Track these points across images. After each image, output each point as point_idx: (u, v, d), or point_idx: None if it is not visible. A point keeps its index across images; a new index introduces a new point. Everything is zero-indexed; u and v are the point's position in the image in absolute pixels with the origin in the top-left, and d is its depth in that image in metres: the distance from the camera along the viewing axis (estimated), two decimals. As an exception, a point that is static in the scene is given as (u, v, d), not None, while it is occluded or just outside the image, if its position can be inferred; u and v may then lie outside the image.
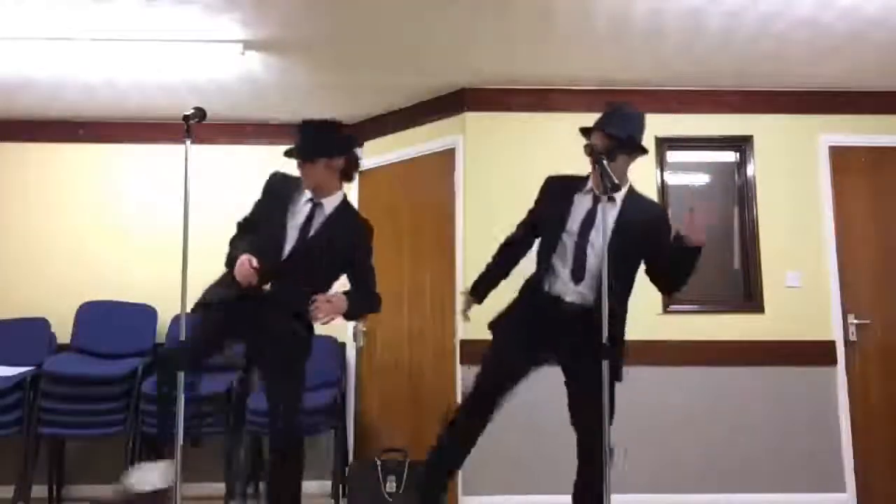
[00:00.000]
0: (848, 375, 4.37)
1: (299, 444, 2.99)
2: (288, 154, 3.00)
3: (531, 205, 3.13)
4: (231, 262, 2.89)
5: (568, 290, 2.85)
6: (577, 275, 2.83)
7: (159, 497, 2.82)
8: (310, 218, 3.00)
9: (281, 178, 3.10)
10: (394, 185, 4.95)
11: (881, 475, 4.31)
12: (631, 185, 2.99)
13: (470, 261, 4.36)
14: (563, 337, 2.82)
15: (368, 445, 4.74)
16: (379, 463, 4.09)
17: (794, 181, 4.54)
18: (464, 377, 4.30)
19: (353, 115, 5.03)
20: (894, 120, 4.60)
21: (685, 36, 3.86)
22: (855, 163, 4.58)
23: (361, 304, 3.09)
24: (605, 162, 2.70)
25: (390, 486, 4.02)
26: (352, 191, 5.11)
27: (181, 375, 2.70)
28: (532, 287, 2.93)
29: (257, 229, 3.02)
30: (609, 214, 2.82)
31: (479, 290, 3.13)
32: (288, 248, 2.94)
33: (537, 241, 3.04)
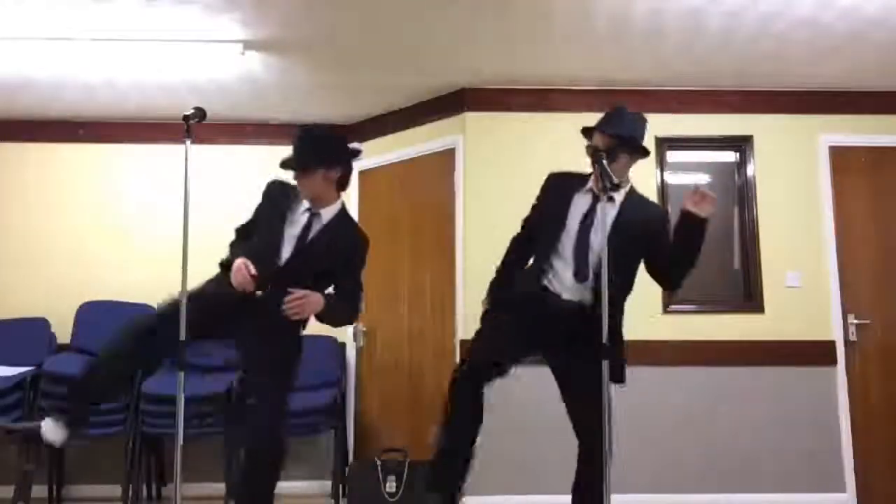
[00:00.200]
0: (848, 375, 4.37)
1: (279, 450, 2.87)
2: (284, 165, 2.97)
3: (531, 204, 3.12)
4: (227, 265, 2.89)
5: (568, 288, 2.85)
6: (581, 275, 2.83)
7: None
8: (307, 227, 2.97)
9: (279, 185, 3.08)
10: (394, 185, 4.95)
11: (881, 475, 4.31)
12: (632, 186, 2.98)
13: (470, 261, 4.36)
14: (559, 334, 2.82)
15: (368, 445, 4.74)
16: (379, 463, 4.09)
17: (794, 181, 4.54)
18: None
19: (353, 115, 5.03)
20: (894, 120, 4.60)
21: (685, 36, 3.86)
22: (855, 163, 4.58)
23: (339, 310, 3.01)
24: (605, 162, 2.70)
25: (390, 486, 4.02)
26: (352, 191, 5.12)
27: (181, 375, 2.70)
28: (529, 280, 2.92)
29: (255, 236, 3.02)
30: (608, 214, 2.82)
31: (497, 295, 3.06)
32: (285, 256, 2.93)
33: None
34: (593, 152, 2.75)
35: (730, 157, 4.70)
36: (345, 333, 4.94)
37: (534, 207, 3.10)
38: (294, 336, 2.99)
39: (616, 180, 2.63)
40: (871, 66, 4.24)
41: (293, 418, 4.31)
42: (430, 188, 4.77)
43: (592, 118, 4.52)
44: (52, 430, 2.78)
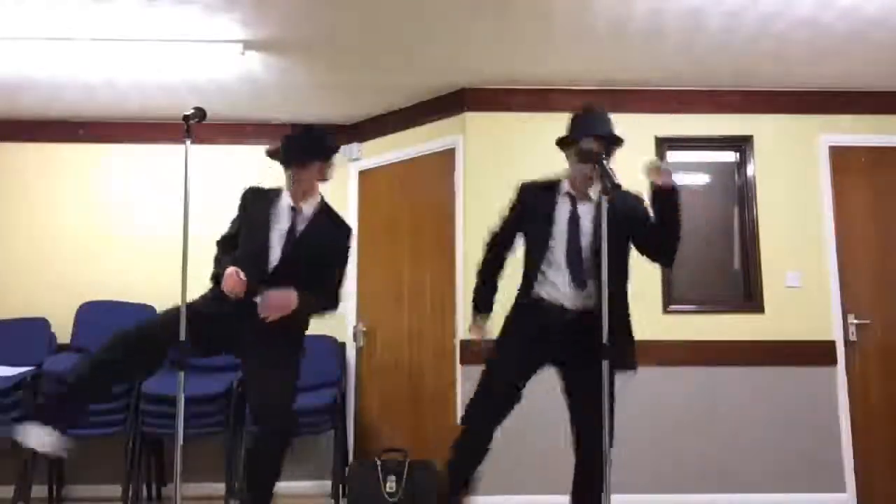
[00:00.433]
0: (848, 375, 4.37)
1: (292, 424, 2.89)
2: (285, 160, 3.01)
3: (503, 214, 3.13)
4: (217, 277, 2.91)
5: (567, 296, 2.86)
6: (578, 281, 2.84)
7: None
8: (293, 223, 3.01)
9: (256, 191, 3.14)
10: (394, 185, 4.95)
11: (881, 475, 4.31)
12: None
13: (470, 261, 4.35)
14: (568, 343, 2.82)
15: (368, 445, 4.74)
16: (379, 463, 4.09)
17: (794, 181, 4.54)
18: (464, 377, 4.30)
19: (353, 115, 5.03)
20: (894, 120, 4.60)
21: (685, 36, 3.86)
22: (855, 163, 4.58)
23: (315, 302, 3.01)
24: (605, 162, 2.71)
25: (390, 486, 4.02)
26: (351, 191, 5.13)
27: (181, 375, 2.70)
28: (527, 299, 2.91)
29: (239, 243, 3.04)
30: (588, 215, 2.88)
31: (485, 305, 3.09)
32: (275, 255, 2.96)
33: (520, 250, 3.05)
34: (595, 155, 2.75)
35: (730, 157, 4.70)
36: (345, 333, 4.94)
37: (508, 218, 3.09)
38: (295, 334, 3.00)
39: (617, 180, 2.63)
40: (871, 66, 4.24)
41: (293, 418, 4.35)
42: (430, 188, 4.77)
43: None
44: (36, 435, 2.75)
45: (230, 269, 2.83)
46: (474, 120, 4.54)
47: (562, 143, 2.98)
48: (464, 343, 4.30)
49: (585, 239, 2.86)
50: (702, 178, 4.77)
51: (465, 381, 4.30)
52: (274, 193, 3.09)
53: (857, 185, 4.56)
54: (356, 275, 5.02)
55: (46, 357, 4.47)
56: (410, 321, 4.76)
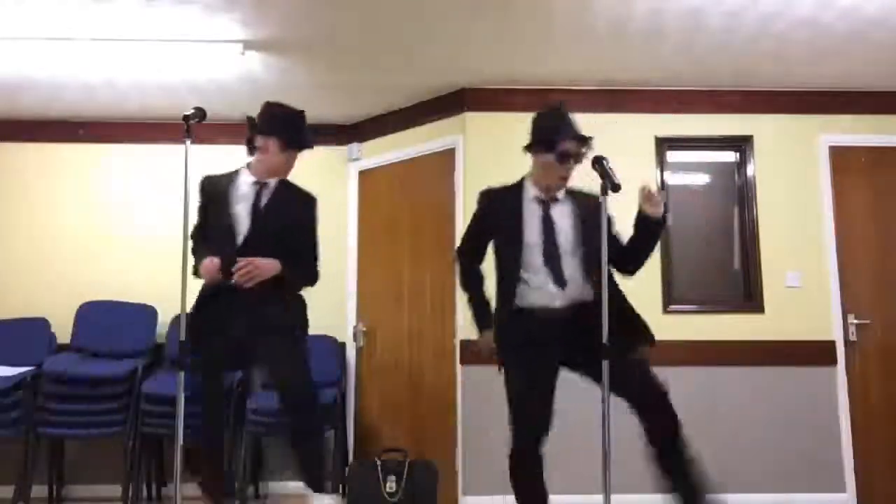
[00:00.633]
0: (848, 375, 4.37)
1: (315, 399, 3.01)
2: (307, 145, 3.14)
3: (469, 224, 3.14)
4: (196, 270, 2.97)
5: (553, 296, 2.84)
6: (560, 281, 2.83)
7: None
8: (258, 196, 3.05)
9: (210, 178, 3.18)
10: (394, 185, 4.95)
11: (881, 475, 4.31)
12: None
13: (470, 261, 4.36)
14: (574, 340, 2.81)
15: (368, 445, 4.74)
16: (379, 463, 4.09)
17: (794, 181, 4.54)
18: (464, 377, 4.30)
19: (353, 115, 5.04)
20: (894, 120, 4.60)
21: (685, 36, 3.86)
22: (855, 163, 4.58)
23: (298, 273, 3.06)
24: (604, 162, 2.71)
25: (390, 486, 4.02)
26: (351, 191, 5.13)
27: (181, 375, 2.70)
28: (515, 309, 2.87)
29: (208, 230, 3.09)
30: (563, 214, 2.89)
31: (487, 320, 3.03)
32: (243, 230, 2.99)
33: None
34: (594, 158, 2.75)
35: (730, 157, 4.71)
36: (345, 333, 4.94)
37: (474, 228, 3.07)
38: (289, 303, 3.03)
39: (617, 181, 2.63)
40: (871, 66, 4.24)
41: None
42: (430, 188, 4.77)
43: (592, 118, 4.54)
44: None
45: (205, 262, 2.90)
46: (474, 120, 4.54)
47: (536, 144, 2.93)
48: (464, 343, 4.30)
49: (563, 238, 2.86)
50: (702, 178, 4.77)
51: (465, 381, 4.30)
52: (232, 175, 3.14)
53: (857, 185, 4.56)
54: (356, 275, 5.03)
55: (46, 357, 4.47)
56: (410, 321, 4.76)
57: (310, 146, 3.16)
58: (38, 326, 4.66)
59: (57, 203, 4.99)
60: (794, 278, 4.44)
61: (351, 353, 4.97)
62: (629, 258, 2.91)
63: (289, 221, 3.04)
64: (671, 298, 4.43)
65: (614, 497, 2.61)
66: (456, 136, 4.59)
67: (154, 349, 4.62)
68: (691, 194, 4.69)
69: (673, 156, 4.64)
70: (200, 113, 2.79)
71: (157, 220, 4.91)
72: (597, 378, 2.70)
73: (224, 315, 2.94)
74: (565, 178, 2.90)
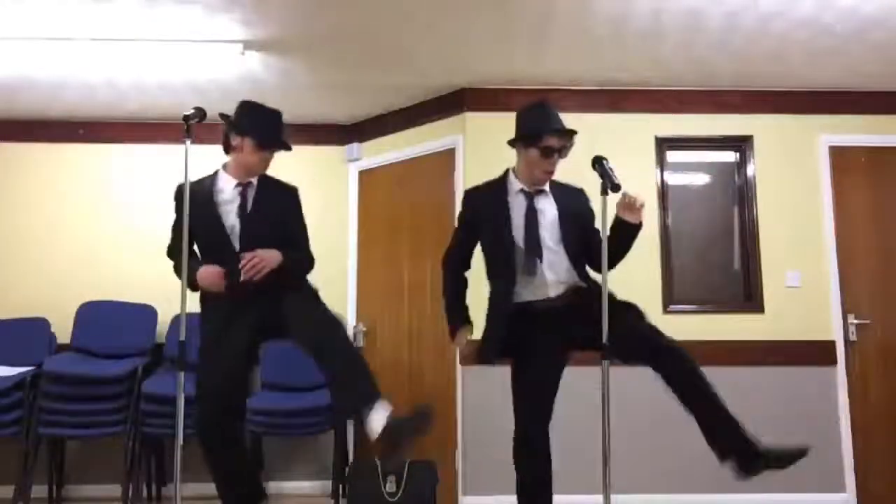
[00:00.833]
0: (848, 375, 4.37)
1: (341, 327, 2.87)
2: (277, 144, 3.04)
3: (457, 223, 3.15)
4: (193, 283, 2.86)
5: (542, 287, 2.85)
6: (545, 272, 2.83)
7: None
8: (244, 197, 2.99)
9: (187, 186, 2.93)
10: (394, 185, 4.95)
11: (881, 475, 4.31)
12: None
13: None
14: (566, 325, 2.82)
15: (368, 445, 4.73)
16: (379, 463, 4.09)
17: (794, 181, 4.54)
18: (464, 377, 4.30)
19: (353, 115, 5.04)
20: (894, 120, 4.60)
21: (685, 36, 3.86)
22: (855, 163, 4.58)
23: (298, 262, 3.01)
24: (604, 162, 2.71)
25: (390, 486, 4.02)
26: (351, 191, 5.13)
27: (181, 375, 2.70)
28: (507, 309, 2.86)
29: (197, 241, 2.98)
30: (548, 207, 2.89)
31: (463, 320, 3.04)
32: (236, 232, 2.94)
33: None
34: (594, 158, 2.75)
35: (730, 157, 4.71)
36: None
37: (462, 235, 3.07)
38: (301, 286, 3.00)
39: (617, 181, 2.63)
40: (871, 66, 4.24)
41: (293, 418, 4.35)
42: (430, 188, 4.77)
43: (592, 118, 4.57)
44: None
45: (201, 270, 2.83)
46: (474, 120, 4.54)
47: (521, 139, 2.93)
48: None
49: (547, 228, 2.86)
50: (702, 178, 4.77)
51: (465, 382, 4.30)
52: (210, 179, 3.03)
53: (857, 185, 4.56)
54: (356, 275, 5.03)
55: (46, 357, 4.47)
56: (410, 321, 4.76)
57: (286, 147, 3.06)
58: (38, 326, 4.66)
59: (57, 203, 4.99)
60: (794, 278, 4.44)
61: (351, 353, 4.96)
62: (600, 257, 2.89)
63: (276, 217, 3.01)
64: (671, 298, 4.43)
65: (614, 497, 2.61)
66: (456, 136, 4.59)
67: (154, 349, 4.62)
68: (691, 194, 4.69)
69: (673, 156, 4.64)
70: (200, 113, 2.78)
71: (157, 220, 4.86)
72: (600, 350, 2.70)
73: (239, 317, 2.90)
74: (550, 172, 2.90)
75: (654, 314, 4.31)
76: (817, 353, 4.36)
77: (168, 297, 4.42)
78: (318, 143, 5.10)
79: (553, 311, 2.84)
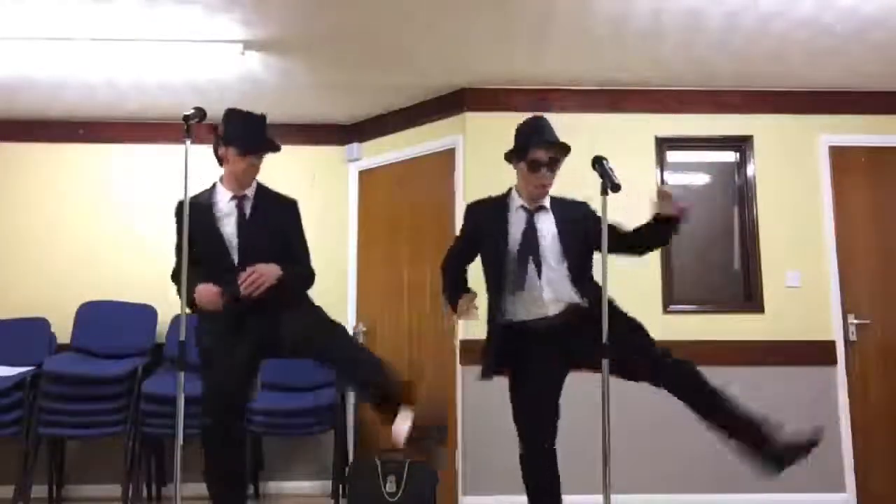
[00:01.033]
0: (848, 375, 4.37)
1: (385, 371, 2.89)
2: (267, 148, 3.00)
3: (458, 235, 3.14)
4: (192, 303, 2.84)
5: (540, 305, 2.86)
6: (543, 290, 2.84)
7: None
8: (241, 210, 2.99)
9: (190, 202, 2.92)
10: (394, 185, 4.95)
11: (881, 475, 4.31)
12: None
13: (470, 261, 4.36)
14: (564, 343, 2.83)
15: (368, 445, 4.74)
16: (379, 463, 4.09)
17: (794, 181, 4.54)
18: (464, 377, 4.30)
19: (353, 115, 5.04)
20: (894, 120, 4.60)
21: (685, 36, 3.86)
22: (855, 163, 4.58)
23: (297, 277, 3.00)
24: (604, 162, 2.71)
25: (390, 486, 4.02)
26: (352, 191, 5.13)
27: (181, 375, 2.70)
28: (506, 328, 2.88)
29: (199, 257, 2.90)
30: (547, 224, 2.89)
31: (461, 292, 3.02)
32: (234, 246, 2.93)
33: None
34: (594, 158, 2.75)
35: (730, 157, 4.71)
36: (345, 333, 4.94)
37: (462, 238, 3.07)
38: (301, 302, 2.99)
39: (617, 181, 2.63)
40: (871, 66, 4.24)
41: (293, 418, 4.35)
42: (430, 188, 4.77)
43: (592, 118, 4.57)
44: None
45: (199, 288, 2.80)
46: (474, 120, 4.54)
47: (511, 155, 2.95)
48: (464, 343, 4.30)
49: (547, 246, 2.86)
50: (702, 178, 4.77)
51: (465, 382, 4.30)
52: (208, 193, 3.03)
53: (857, 185, 4.56)
54: (356, 275, 5.02)
55: (46, 357, 4.47)
56: (411, 321, 4.76)
57: (272, 149, 3.01)
58: (38, 326, 4.66)
59: (57, 203, 4.99)
60: (794, 278, 4.44)
61: (351, 353, 4.96)
62: (630, 240, 2.87)
63: (275, 229, 2.99)
64: (671, 298, 4.43)
65: (614, 497, 2.61)
66: (456, 136, 4.59)
67: (154, 349, 4.62)
68: (691, 194, 4.69)
69: (673, 156, 4.64)
70: (200, 113, 2.78)
71: (157, 221, 4.91)
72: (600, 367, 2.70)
73: (239, 338, 2.90)
74: (542, 187, 2.90)
75: (654, 314, 4.36)
76: (817, 353, 4.36)
77: (168, 297, 4.37)
78: (318, 143, 5.10)
79: (551, 329, 2.85)
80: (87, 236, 4.95)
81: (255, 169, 3.01)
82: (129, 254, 4.91)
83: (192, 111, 2.76)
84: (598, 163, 2.71)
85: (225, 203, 2.98)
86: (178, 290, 2.82)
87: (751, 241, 4.51)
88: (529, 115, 3.08)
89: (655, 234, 2.83)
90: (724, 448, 4.24)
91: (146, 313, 4.70)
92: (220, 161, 3.01)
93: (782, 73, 4.37)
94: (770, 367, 4.32)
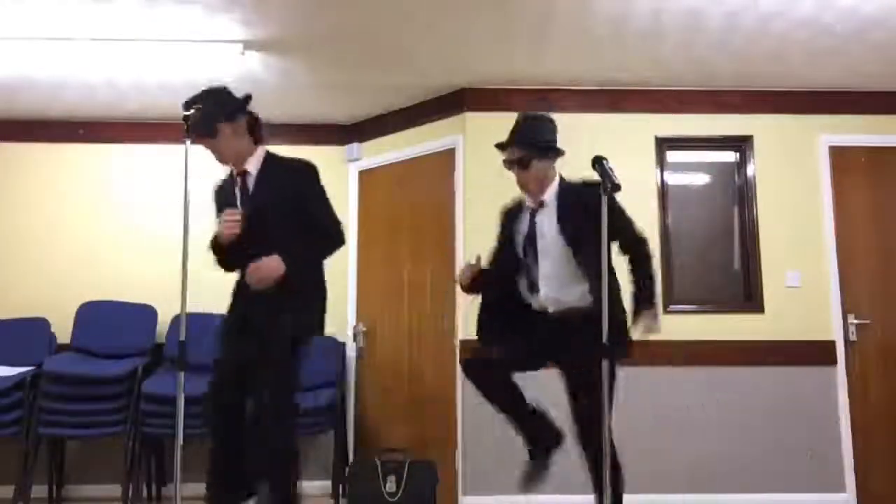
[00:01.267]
0: (848, 375, 4.37)
1: (288, 452, 2.87)
2: (196, 138, 2.84)
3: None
4: (214, 243, 2.95)
5: (544, 304, 2.90)
6: (535, 288, 2.89)
7: None
8: (244, 188, 2.99)
9: (216, 187, 3.12)
10: (394, 185, 4.95)
11: (881, 475, 4.31)
12: (560, 176, 3.00)
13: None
14: (553, 341, 2.85)
15: (368, 445, 4.74)
16: (379, 463, 4.09)
17: (794, 181, 4.54)
18: (464, 377, 4.29)
19: (353, 115, 5.04)
20: (894, 120, 4.60)
21: (685, 36, 3.86)
22: (855, 163, 4.58)
23: (307, 253, 2.92)
24: (604, 162, 2.70)
25: (390, 486, 4.02)
26: (352, 190, 5.13)
27: (181, 375, 2.70)
28: (520, 305, 2.98)
29: None
30: (546, 221, 2.90)
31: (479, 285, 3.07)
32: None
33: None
34: (594, 158, 2.75)
35: (730, 157, 4.71)
36: (345, 333, 4.94)
37: (497, 249, 3.11)
38: (297, 309, 2.95)
39: (617, 181, 2.63)
40: (871, 66, 4.24)
41: (293, 418, 4.35)
42: (430, 188, 4.77)
43: (592, 118, 4.57)
44: None
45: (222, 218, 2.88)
46: (474, 120, 4.54)
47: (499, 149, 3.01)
48: (464, 343, 4.30)
49: (545, 244, 2.89)
50: (702, 178, 4.77)
51: (465, 382, 4.30)
52: (228, 176, 3.08)
53: (857, 185, 4.56)
54: (356, 275, 5.03)
55: (46, 357, 4.47)
56: (410, 321, 4.76)
57: (200, 133, 2.85)
58: (38, 326, 4.66)
59: (57, 203, 4.99)
60: (794, 278, 4.44)
61: (351, 353, 4.97)
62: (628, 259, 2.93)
63: (282, 196, 2.92)
64: (671, 298, 4.43)
65: (614, 497, 2.60)
66: (456, 136, 4.59)
67: (154, 349, 4.62)
68: (691, 194, 4.69)
69: (673, 156, 4.64)
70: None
71: (157, 220, 4.91)
72: (570, 387, 2.81)
73: (250, 308, 2.94)
74: (521, 185, 2.95)
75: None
76: (817, 353, 4.36)
77: (168, 297, 4.42)
78: (318, 143, 5.09)
79: (541, 322, 2.90)
80: (87, 236, 4.95)
81: (220, 148, 2.95)
82: (129, 254, 4.91)
83: (193, 111, 2.76)
84: (598, 163, 2.71)
85: (232, 184, 3.04)
86: (218, 261, 2.97)
87: (751, 241, 4.51)
88: (529, 115, 3.09)
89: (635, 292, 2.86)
90: (725, 448, 4.26)
91: (146, 313, 4.70)
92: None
93: (782, 73, 4.37)
94: (770, 367, 4.32)
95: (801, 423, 4.30)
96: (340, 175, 5.13)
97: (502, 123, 4.50)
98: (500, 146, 2.96)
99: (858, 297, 4.45)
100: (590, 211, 2.74)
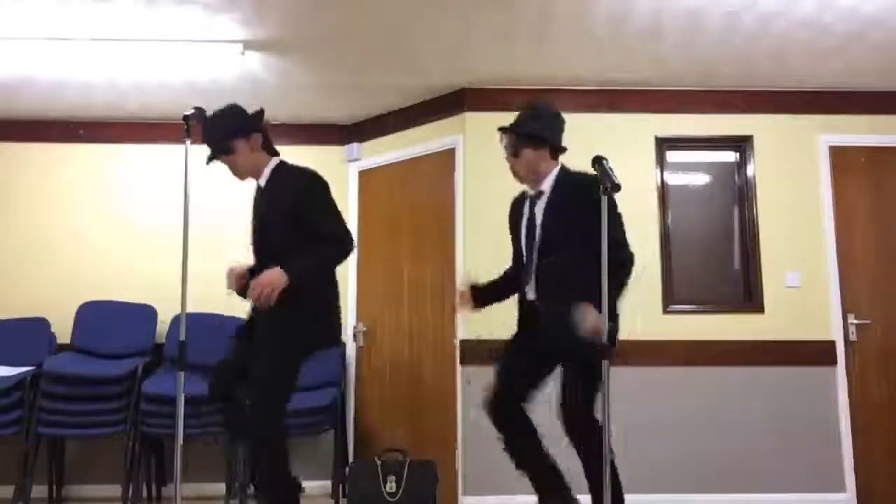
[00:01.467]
0: (848, 375, 4.37)
1: (271, 440, 2.91)
2: (215, 153, 2.96)
3: None
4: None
5: (535, 296, 2.92)
6: (533, 282, 2.91)
7: None
8: (256, 196, 3.03)
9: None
10: (394, 185, 4.95)
11: (881, 475, 4.31)
12: (562, 165, 3.01)
13: (470, 261, 4.36)
14: (548, 334, 2.86)
15: (368, 445, 4.74)
16: (379, 463, 4.09)
17: (794, 181, 4.54)
18: (463, 377, 4.30)
19: (353, 115, 5.04)
20: (894, 120, 4.60)
21: (685, 36, 3.86)
22: (855, 163, 4.58)
23: (306, 264, 2.86)
24: (604, 162, 2.70)
25: (390, 486, 4.02)
26: (351, 191, 5.13)
27: (181, 375, 2.70)
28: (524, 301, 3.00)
29: None
30: (540, 209, 2.92)
31: (484, 297, 3.10)
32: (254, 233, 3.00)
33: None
34: (594, 158, 2.75)
35: (730, 157, 4.71)
36: (345, 333, 4.94)
37: (512, 239, 3.14)
38: (288, 309, 2.91)
39: (617, 180, 2.63)
40: (871, 66, 4.24)
41: (293, 418, 4.33)
42: (430, 188, 4.77)
43: (592, 118, 4.57)
44: None
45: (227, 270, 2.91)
46: (474, 120, 4.54)
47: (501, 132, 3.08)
48: (464, 343, 4.30)
49: (540, 234, 2.90)
50: (702, 178, 4.77)
51: (465, 382, 4.30)
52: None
53: (857, 185, 4.56)
54: (356, 275, 5.03)
55: (46, 357, 4.47)
56: (410, 321, 4.76)
57: (217, 152, 2.95)
58: (38, 326, 4.66)
59: (57, 203, 4.99)
60: (794, 278, 4.44)
61: (351, 353, 4.97)
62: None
63: (284, 207, 2.91)
64: (671, 298, 4.43)
65: (614, 497, 2.60)
66: (456, 136, 4.59)
67: (154, 349, 4.62)
68: (691, 194, 4.69)
69: (673, 156, 4.64)
70: (200, 113, 2.79)
71: (157, 221, 4.91)
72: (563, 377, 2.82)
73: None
74: (514, 172, 3.00)
75: (654, 314, 4.36)
76: (817, 353, 4.36)
77: (168, 297, 4.41)
78: (318, 143, 5.09)
79: (537, 315, 2.91)
80: (86, 236, 4.95)
81: (234, 166, 3.01)
82: (129, 254, 4.91)
83: (192, 111, 2.77)
84: (598, 163, 2.71)
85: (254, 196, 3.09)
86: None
87: (751, 241, 4.51)
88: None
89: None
90: (725, 448, 4.26)
91: (146, 313, 4.70)
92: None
93: (782, 73, 4.37)
94: (770, 367, 4.32)
95: (801, 423, 4.30)
96: (340, 175, 5.13)
97: (502, 123, 4.51)
98: (502, 130, 3.04)
99: (858, 297, 4.45)
100: (577, 202, 2.79)
